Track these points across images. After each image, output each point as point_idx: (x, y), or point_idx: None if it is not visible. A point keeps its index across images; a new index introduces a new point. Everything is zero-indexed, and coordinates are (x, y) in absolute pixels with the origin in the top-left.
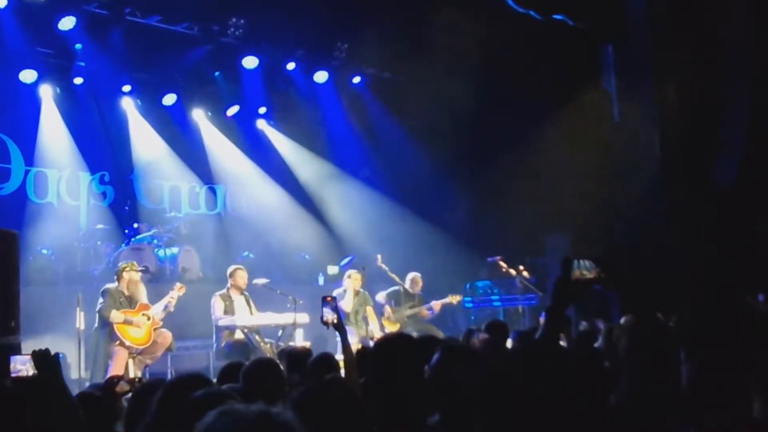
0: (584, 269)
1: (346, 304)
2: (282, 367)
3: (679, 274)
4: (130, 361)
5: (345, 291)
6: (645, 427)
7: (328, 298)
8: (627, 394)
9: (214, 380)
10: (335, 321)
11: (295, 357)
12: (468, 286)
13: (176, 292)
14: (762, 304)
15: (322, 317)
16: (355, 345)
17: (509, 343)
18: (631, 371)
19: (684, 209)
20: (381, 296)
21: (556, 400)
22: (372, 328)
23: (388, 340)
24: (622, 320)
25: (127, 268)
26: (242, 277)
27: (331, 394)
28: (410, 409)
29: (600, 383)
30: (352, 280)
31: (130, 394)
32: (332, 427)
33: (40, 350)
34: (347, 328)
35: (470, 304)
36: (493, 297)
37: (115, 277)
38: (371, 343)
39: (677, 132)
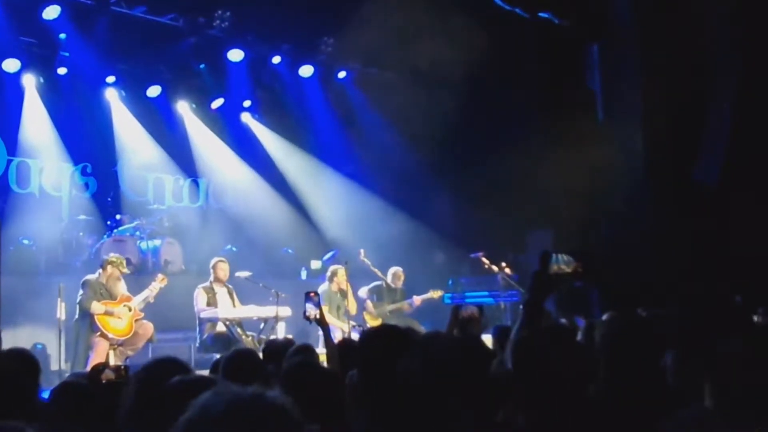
0: (563, 264)
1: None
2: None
3: (661, 272)
4: (111, 352)
5: (329, 288)
6: (622, 419)
7: (312, 294)
8: (604, 385)
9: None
10: (318, 316)
11: (276, 349)
12: (450, 282)
13: (158, 284)
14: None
15: (304, 312)
16: (337, 340)
17: (489, 339)
18: (608, 363)
19: (667, 208)
20: (363, 291)
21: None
22: (352, 321)
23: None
24: (604, 317)
25: (114, 263)
26: (222, 269)
27: (308, 373)
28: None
29: (580, 377)
30: (339, 278)
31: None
32: (312, 405)
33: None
34: (336, 323)
35: (449, 300)
36: (479, 293)
37: (100, 267)
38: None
39: (661, 131)
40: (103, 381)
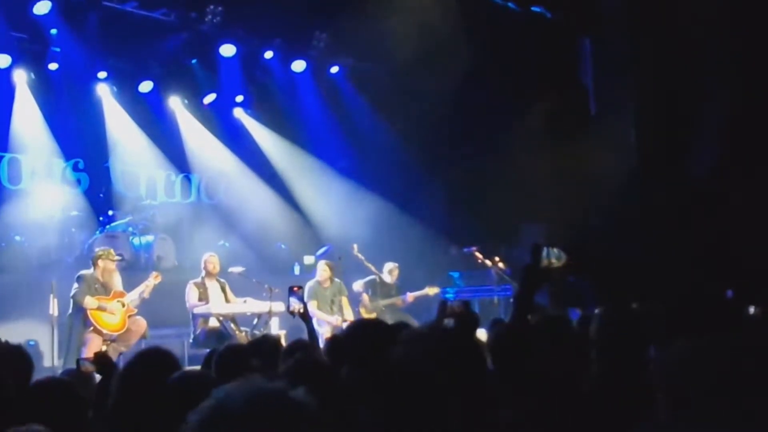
0: (554, 258)
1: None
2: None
3: (653, 265)
4: (104, 348)
5: (317, 283)
6: (613, 412)
7: (295, 288)
8: (597, 379)
9: (187, 367)
10: (301, 310)
11: (264, 344)
12: (455, 275)
13: (152, 280)
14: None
15: (288, 307)
16: (328, 334)
17: (483, 333)
18: (601, 356)
19: (659, 201)
20: (358, 285)
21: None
22: (347, 317)
23: (359, 326)
24: (597, 310)
25: (103, 256)
26: (212, 263)
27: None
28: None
29: (572, 369)
30: (320, 271)
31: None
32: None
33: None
34: (324, 317)
35: (451, 295)
36: (473, 288)
37: (91, 263)
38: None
39: (653, 124)
40: (85, 373)
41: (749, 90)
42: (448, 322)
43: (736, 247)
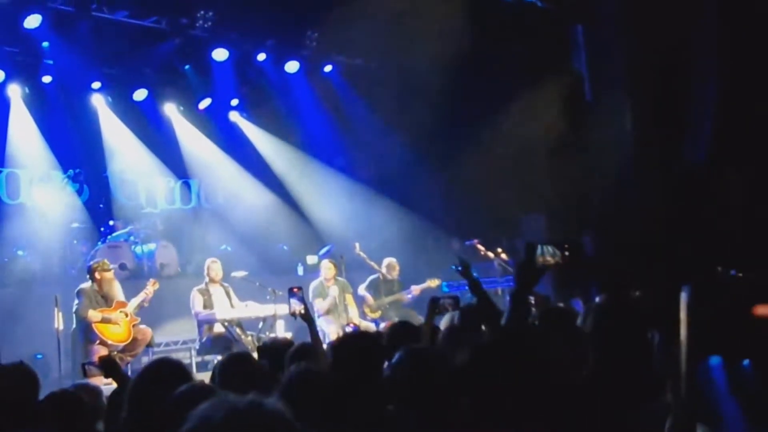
0: (548, 255)
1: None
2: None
3: (652, 252)
4: None
5: (321, 282)
6: (610, 402)
7: (295, 289)
8: (593, 369)
9: (195, 374)
10: (302, 311)
11: (272, 348)
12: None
13: (150, 288)
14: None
15: (289, 308)
16: (334, 333)
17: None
18: (598, 346)
19: (657, 186)
20: (362, 289)
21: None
22: (352, 315)
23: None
24: (596, 300)
25: (99, 268)
26: (214, 270)
27: (310, 383)
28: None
29: (573, 360)
30: (325, 270)
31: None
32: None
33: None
34: (328, 317)
35: (447, 288)
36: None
37: (88, 277)
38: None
39: (649, 110)
40: (89, 378)
41: (745, 73)
42: (454, 314)
43: (733, 230)
